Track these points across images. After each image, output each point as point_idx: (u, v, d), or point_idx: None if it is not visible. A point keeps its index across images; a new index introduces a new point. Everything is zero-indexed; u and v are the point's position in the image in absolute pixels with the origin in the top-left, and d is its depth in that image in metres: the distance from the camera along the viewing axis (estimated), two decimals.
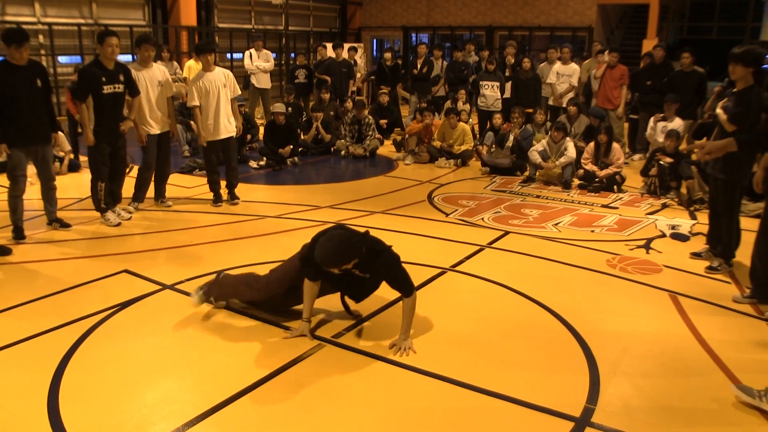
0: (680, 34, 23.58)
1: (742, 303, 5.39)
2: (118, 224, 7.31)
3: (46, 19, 14.35)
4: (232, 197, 8.45)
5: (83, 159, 10.44)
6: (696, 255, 6.50)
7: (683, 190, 8.74)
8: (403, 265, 4.56)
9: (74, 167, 10.16)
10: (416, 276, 5.50)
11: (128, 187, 7.91)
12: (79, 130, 9.63)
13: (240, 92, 8.58)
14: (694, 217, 7.94)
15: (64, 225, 7.15)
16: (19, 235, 6.72)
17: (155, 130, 7.74)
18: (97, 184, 7.31)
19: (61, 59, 14.78)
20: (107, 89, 7.04)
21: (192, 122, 11.53)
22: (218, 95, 8.01)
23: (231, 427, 3.61)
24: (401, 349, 4.47)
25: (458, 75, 13.76)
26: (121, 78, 7.18)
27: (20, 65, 6.47)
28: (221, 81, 8.05)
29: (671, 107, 10.10)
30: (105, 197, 7.37)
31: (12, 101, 6.40)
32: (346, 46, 15.08)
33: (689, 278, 5.95)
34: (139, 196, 7.96)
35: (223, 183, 8.42)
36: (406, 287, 4.53)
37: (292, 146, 10.94)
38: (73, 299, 5.28)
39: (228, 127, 8.16)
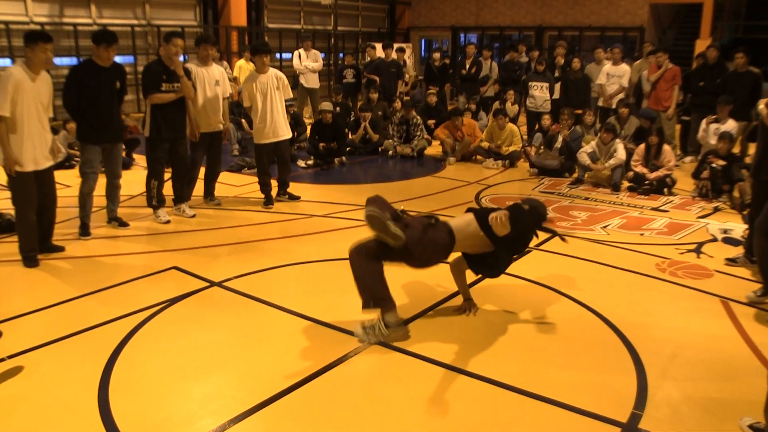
0: (735, 33, 23.00)
1: (756, 301, 5.33)
2: (168, 221, 7.43)
3: (101, 20, 14.70)
4: (290, 197, 8.58)
5: (136, 156, 10.68)
6: (731, 261, 6.31)
7: (736, 194, 8.55)
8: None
9: (126, 165, 10.33)
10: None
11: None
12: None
13: (291, 94, 8.63)
14: (747, 221, 7.75)
15: (122, 224, 7.21)
16: (85, 231, 6.85)
17: (206, 129, 7.81)
18: (151, 181, 7.45)
19: (115, 59, 15.09)
20: (166, 87, 7.17)
21: (243, 121, 11.72)
22: (271, 98, 8.02)
23: (276, 424, 3.65)
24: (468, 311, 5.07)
25: (510, 75, 13.67)
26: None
27: (104, 66, 6.63)
28: (274, 83, 8.05)
29: (724, 109, 9.88)
30: (158, 194, 7.49)
31: (92, 100, 6.56)
32: (395, 46, 15.08)
33: (742, 284, 5.81)
34: (186, 194, 8.06)
35: (273, 182, 8.53)
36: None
37: (337, 143, 10.98)
38: (124, 294, 5.39)
39: (282, 130, 8.19)
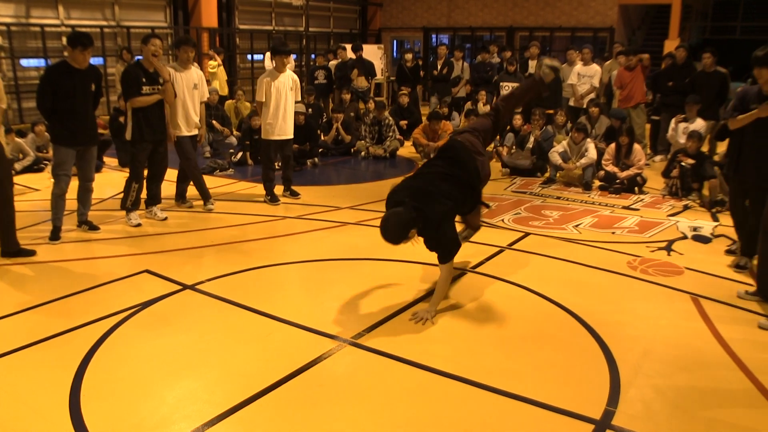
0: (703, 34, 23.36)
1: (746, 299, 5.40)
2: (139, 225, 7.36)
3: (69, 22, 14.50)
4: (292, 193, 8.75)
5: (107, 159, 10.57)
6: (740, 267, 6.17)
7: (705, 192, 8.67)
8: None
9: (97, 168, 10.22)
10: (436, 278, 5.51)
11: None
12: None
13: (300, 98, 8.69)
14: (716, 219, 7.86)
15: (92, 227, 7.13)
16: (55, 235, 6.76)
17: (184, 132, 7.75)
18: (132, 184, 7.38)
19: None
20: (146, 90, 7.12)
21: (214, 122, 11.64)
22: (285, 97, 8.15)
23: (251, 427, 3.63)
24: (421, 319, 4.86)
25: (482, 75, 13.73)
26: (161, 80, 7.23)
27: (79, 69, 6.56)
28: (289, 84, 8.18)
29: (692, 108, 10.02)
30: (136, 197, 7.42)
31: (66, 102, 6.50)
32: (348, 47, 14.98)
33: (711, 280, 5.89)
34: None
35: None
36: (443, 250, 4.85)
37: (309, 144, 10.97)
38: (95, 299, 5.33)
39: (289, 130, 8.36)
